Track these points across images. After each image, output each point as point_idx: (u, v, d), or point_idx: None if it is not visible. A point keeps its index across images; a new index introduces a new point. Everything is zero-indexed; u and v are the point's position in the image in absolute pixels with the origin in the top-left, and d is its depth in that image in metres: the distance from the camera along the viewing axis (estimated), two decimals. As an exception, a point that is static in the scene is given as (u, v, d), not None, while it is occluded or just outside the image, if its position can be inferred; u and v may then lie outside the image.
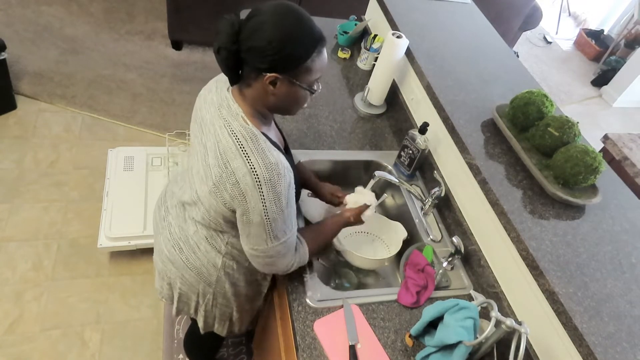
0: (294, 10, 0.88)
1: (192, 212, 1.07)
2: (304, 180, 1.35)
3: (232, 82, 0.94)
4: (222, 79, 1.04)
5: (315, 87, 0.96)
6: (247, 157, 0.90)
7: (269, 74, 0.88)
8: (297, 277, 1.18)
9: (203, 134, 0.99)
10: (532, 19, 3.73)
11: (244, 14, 1.97)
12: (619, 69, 4.45)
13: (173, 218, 1.15)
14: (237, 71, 0.92)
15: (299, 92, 0.94)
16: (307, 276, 1.19)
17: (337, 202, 1.36)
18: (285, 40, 0.86)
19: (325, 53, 0.93)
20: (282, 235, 0.99)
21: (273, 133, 1.05)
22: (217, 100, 0.98)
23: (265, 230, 0.96)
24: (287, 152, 1.16)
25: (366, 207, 1.26)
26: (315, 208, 1.46)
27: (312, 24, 0.89)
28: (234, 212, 0.97)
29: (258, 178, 0.89)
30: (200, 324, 1.28)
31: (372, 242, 1.45)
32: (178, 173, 1.23)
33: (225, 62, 0.89)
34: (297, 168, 1.30)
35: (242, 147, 0.90)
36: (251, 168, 0.89)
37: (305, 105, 1.00)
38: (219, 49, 0.87)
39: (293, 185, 0.97)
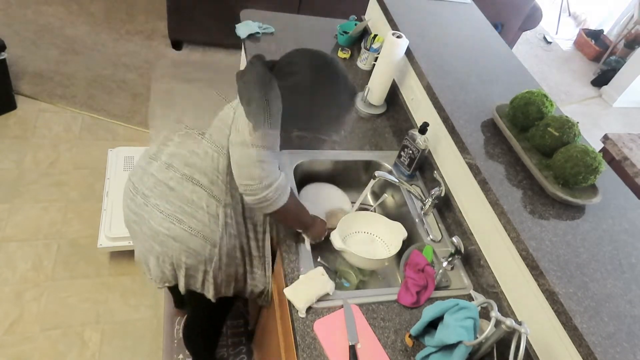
0: (335, 81, 0.89)
1: (196, 172, 1.12)
2: None
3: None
4: None
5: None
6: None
7: (289, 131, 0.95)
8: (297, 276, 1.18)
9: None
10: (532, 19, 3.73)
11: (244, 14, 1.99)
12: (619, 69, 4.45)
13: (158, 198, 1.16)
14: None
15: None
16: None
17: None
18: (311, 117, 0.91)
19: (353, 108, 0.94)
20: (274, 128, 1.00)
21: None
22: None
23: (264, 113, 0.98)
24: None
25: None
26: (315, 206, 1.46)
27: (347, 84, 0.90)
28: (236, 108, 1.04)
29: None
30: (211, 292, 1.28)
31: (372, 242, 1.45)
32: (143, 156, 1.26)
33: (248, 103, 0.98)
34: None
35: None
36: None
37: None
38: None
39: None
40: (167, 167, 1.17)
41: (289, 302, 1.13)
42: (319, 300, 1.14)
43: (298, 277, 1.17)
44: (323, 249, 1.47)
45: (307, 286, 1.14)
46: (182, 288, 1.27)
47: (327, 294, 1.15)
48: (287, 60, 0.87)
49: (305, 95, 0.84)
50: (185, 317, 1.95)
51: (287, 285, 1.16)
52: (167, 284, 1.27)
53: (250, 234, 1.27)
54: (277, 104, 0.99)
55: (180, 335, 1.90)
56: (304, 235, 1.28)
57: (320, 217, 1.32)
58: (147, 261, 1.26)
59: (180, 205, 1.14)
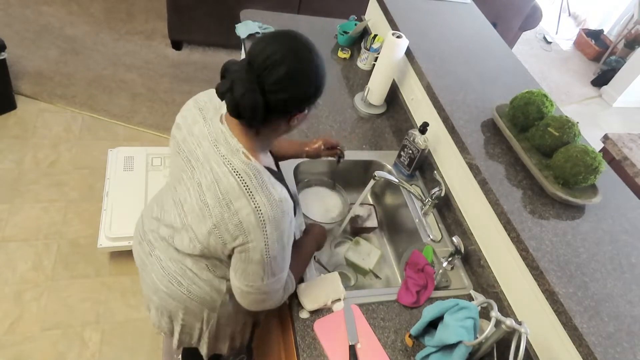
0: (305, 43, 0.87)
1: (185, 247, 1.00)
2: (285, 154, 1.33)
3: (257, 124, 0.88)
4: (205, 106, 0.98)
5: None
6: (251, 196, 0.86)
7: (298, 113, 0.89)
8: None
9: (195, 169, 0.93)
10: (532, 19, 3.73)
11: (244, 14, 1.99)
12: (619, 69, 4.45)
13: (161, 252, 1.08)
14: (264, 116, 0.86)
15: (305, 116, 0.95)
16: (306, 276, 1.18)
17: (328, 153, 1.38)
18: (318, 80, 0.87)
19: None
20: (279, 271, 0.96)
21: (270, 159, 1.02)
22: (212, 135, 0.93)
23: (264, 268, 0.92)
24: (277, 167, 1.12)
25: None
26: (314, 205, 1.46)
27: (316, 51, 0.89)
28: (233, 250, 0.93)
29: (262, 217, 0.86)
30: (205, 351, 1.23)
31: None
32: (152, 205, 1.15)
33: (253, 113, 0.83)
34: (275, 149, 1.27)
35: (245, 185, 0.86)
36: (255, 207, 0.85)
37: None
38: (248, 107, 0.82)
39: (294, 221, 0.95)
40: (170, 236, 1.05)
41: (291, 301, 1.13)
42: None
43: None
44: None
45: (321, 289, 1.13)
46: (175, 344, 1.20)
47: (338, 299, 1.14)
48: (263, 55, 0.84)
49: (297, 78, 0.83)
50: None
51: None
52: (163, 334, 1.21)
53: None
54: (275, 247, 0.90)
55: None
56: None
57: (314, 225, 1.28)
58: (149, 306, 1.20)
59: (182, 268, 1.05)
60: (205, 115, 0.97)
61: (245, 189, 0.86)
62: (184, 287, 1.06)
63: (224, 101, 0.86)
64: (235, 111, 0.84)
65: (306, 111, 0.91)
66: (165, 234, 1.06)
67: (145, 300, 1.22)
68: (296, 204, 1.26)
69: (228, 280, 1.05)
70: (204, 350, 1.23)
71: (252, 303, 1.00)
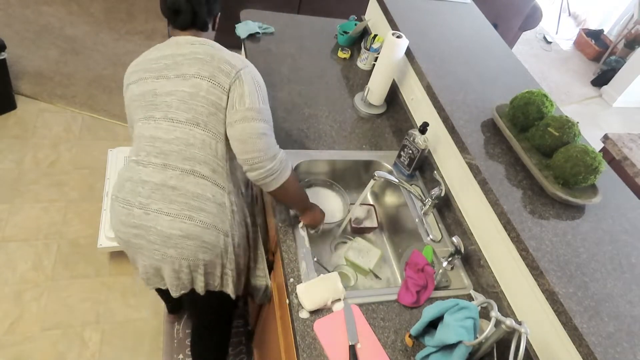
0: None
1: (183, 138, 1.12)
2: None
3: (194, 26, 1.17)
4: (148, 52, 1.18)
5: None
6: (223, 50, 1.15)
7: (217, 14, 1.22)
8: (297, 275, 1.18)
9: (168, 74, 1.13)
10: (532, 19, 3.73)
11: (244, 14, 1.99)
12: (619, 69, 4.45)
13: (158, 201, 1.12)
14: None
15: None
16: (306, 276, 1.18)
17: None
18: None
19: None
20: (266, 102, 1.15)
21: None
22: (171, 46, 1.15)
23: (256, 90, 1.13)
24: None
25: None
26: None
27: None
28: (230, 89, 1.11)
29: (240, 57, 1.16)
30: (230, 287, 1.29)
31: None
32: (123, 184, 1.17)
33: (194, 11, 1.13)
34: None
35: (215, 47, 1.15)
36: (232, 53, 1.15)
37: None
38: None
39: None
40: (163, 167, 1.12)
41: (291, 301, 1.13)
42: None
43: (298, 277, 1.17)
44: (320, 248, 1.47)
45: (320, 289, 1.13)
46: (201, 289, 1.26)
47: (338, 299, 1.15)
48: None
49: None
50: (184, 319, 1.95)
51: (288, 288, 1.16)
52: (183, 291, 1.26)
53: (249, 220, 1.30)
54: (260, 79, 1.17)
55: (181, 335, 1.90)
56: (300, 219, 1.29)
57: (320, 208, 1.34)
58: (160, 272, 1.23)
59: (186, 201, 1.12)
60: (154, 50, 1.18)
61: (217, 48, 1.15)
62: (195, 220, 1.14)
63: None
64: (191, 14, 1.13)
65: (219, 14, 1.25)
66: (155, 176, 1.13)
67: (152, 271, 1.24)
68: None
69: (228, 193, 1.19)
70: (229, 288, 1.30)
71: (254, 139, 1.10)
